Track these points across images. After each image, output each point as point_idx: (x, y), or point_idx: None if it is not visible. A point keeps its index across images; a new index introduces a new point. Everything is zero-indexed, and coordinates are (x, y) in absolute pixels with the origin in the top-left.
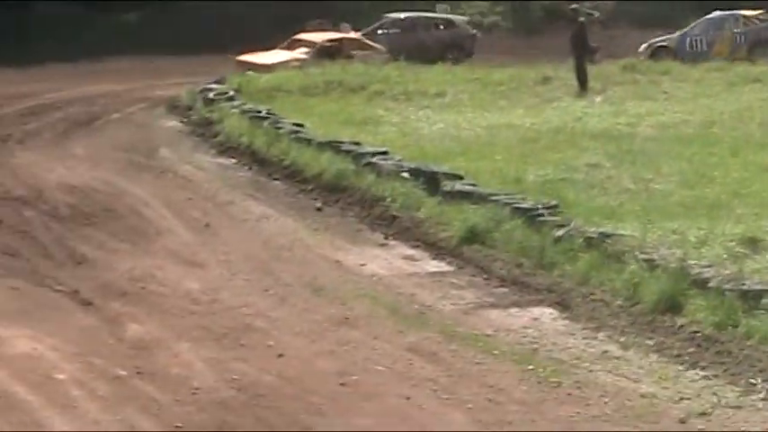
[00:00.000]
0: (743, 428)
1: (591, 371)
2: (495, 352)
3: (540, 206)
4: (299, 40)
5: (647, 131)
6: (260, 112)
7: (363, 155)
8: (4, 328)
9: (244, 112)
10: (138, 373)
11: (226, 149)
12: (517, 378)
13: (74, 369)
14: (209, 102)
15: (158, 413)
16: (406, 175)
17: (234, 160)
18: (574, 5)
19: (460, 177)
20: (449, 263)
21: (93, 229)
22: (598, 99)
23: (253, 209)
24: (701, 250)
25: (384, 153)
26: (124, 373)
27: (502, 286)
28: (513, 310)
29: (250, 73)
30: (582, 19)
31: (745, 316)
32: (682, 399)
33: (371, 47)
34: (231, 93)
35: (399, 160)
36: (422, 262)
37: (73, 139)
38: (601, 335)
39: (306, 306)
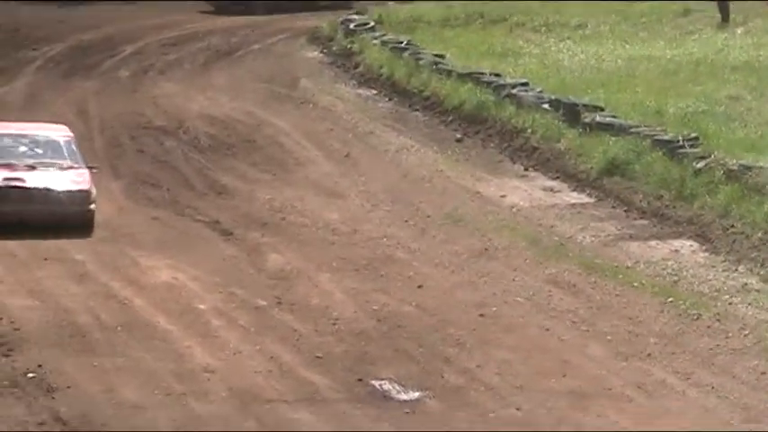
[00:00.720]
0: None
1: (731, 303)
2: (635, 284)
3: (680, 138)
4: None
5: None
6: (400, 43)
7: (504, 86)
8: (145, 258)
9: (384, 43)
10: (278, 303)
11: (366, 80)
12: (657, 310)
13: (214, 299)
14: (349, 33)
15: (298, 343)
16: (546, 106)
17: (374, 91)
18: None
19: (601, 109)
20: (589, 194)
21: (233, 160)
22: (740, 31)
23: (393, 140)
24: None
25: (524, 84)
26: (264, 303)
27: (642, 218)
28: (654, 243)
29: (391, 4)
30: None
31: None
32: None
33: None
34: (372, 24)
35: (540, 91)
36: (562, 193)
37: (213, 70)
38: (741, 267)
39: (446, 237)
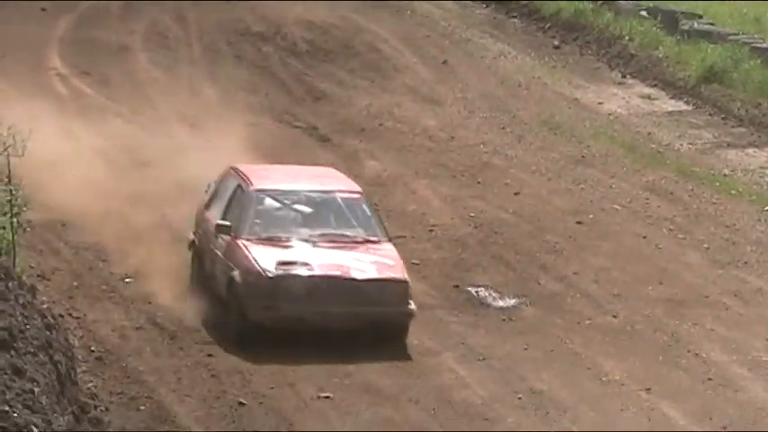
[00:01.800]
0: None
1: None
2: (732, 192)
3: None
4: None
5: None
6: None
7: None
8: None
9: None
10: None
11: None
12: (754, 218)
13: None
14: None
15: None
16: (644, 13)
17: None
18: None
19: (699, 16)
20: (686, 102)
21: (331, 66)
22: None
23: (490, 46)
24: None
25: None
26: None
27: (740, 126)
28: (751, 150)
29: None
30: None
31: None
32: None
33: None
34: None
35: None
36: (659, 101)
37: None
38: None
39: (543, 144)
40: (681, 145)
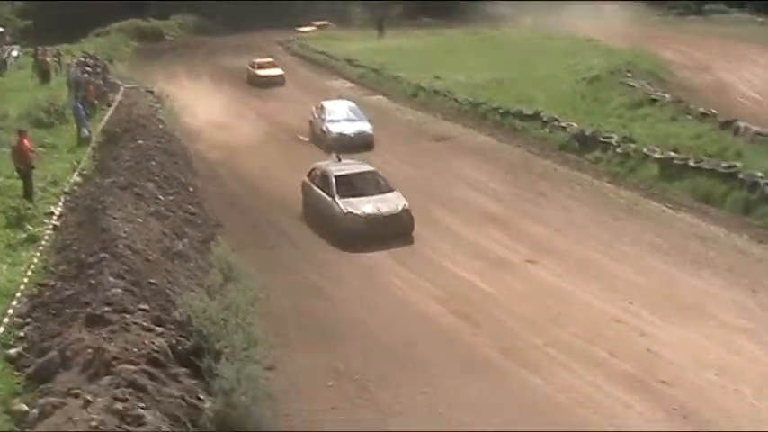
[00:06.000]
0: None
1: None
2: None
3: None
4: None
5: None
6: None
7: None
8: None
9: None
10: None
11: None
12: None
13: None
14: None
15: None
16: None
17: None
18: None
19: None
20: (353, 84)
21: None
22: (387, 37)
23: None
24: None
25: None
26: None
27: (370, 90)
28: (372, 96)
29: (299, 31)
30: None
31: None
32: None
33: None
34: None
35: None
36: (347, 85)
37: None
38: None
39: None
40: (351, 91)
